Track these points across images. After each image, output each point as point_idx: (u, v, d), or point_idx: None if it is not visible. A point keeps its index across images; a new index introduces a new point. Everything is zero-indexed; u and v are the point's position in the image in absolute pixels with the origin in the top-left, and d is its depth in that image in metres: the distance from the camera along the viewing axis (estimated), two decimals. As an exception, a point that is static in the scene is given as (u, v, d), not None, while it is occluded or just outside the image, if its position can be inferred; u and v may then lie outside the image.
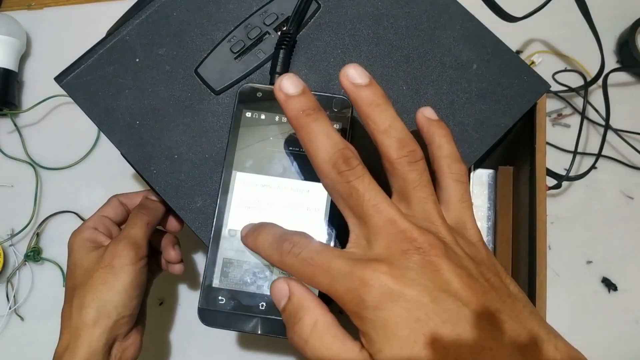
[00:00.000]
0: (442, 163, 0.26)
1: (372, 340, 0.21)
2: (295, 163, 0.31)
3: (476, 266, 0.23)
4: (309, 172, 0.31)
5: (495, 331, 0.21)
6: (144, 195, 0.41)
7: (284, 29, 0.34)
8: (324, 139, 0.23)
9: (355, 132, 0.33)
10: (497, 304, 0.22)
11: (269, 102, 0.32)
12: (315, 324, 0.23)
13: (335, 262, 0.22)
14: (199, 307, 0.29)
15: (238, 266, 0.30)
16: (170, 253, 0.41)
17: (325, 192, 0.30)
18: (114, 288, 0.34)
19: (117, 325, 0.34)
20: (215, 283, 0.30)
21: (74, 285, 0.35)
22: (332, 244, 0.30)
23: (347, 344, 0.22)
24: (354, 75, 0.24)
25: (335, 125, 0.31)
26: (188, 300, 0.51)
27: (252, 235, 0.27)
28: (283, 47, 0.33)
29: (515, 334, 0.21)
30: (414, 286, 0.21)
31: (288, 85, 0.24)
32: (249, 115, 0.32)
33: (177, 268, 0.41)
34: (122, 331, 0.35)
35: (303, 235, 0.25)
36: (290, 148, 0.31)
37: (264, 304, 0.29)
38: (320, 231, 0.30)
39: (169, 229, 0.42)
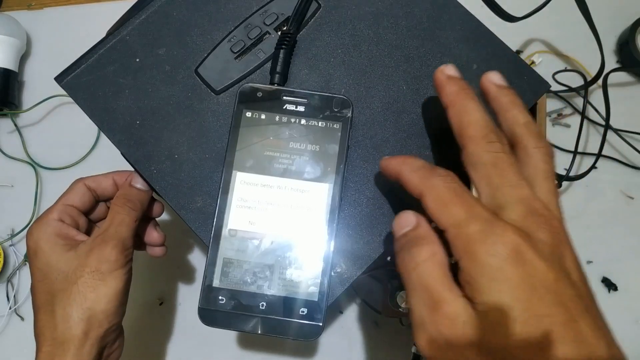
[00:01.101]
0: (524, 136, 0.27)
1: (478, 288, 0.22)
2: (295, 163, 0.31)
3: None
4: (309, 172, 0.31)
5: (598, 332, 0.22)
6: (112, 178, 0.36)
7: (284, 29, 0.34)
8: (480, 114, 0.26)
9: (354, 132, 0.33)
10: (593, 307, 0.23)
11: (269, 102, 0.32)
12: (433, 255, 0.24)
13: (479, 206, 0.24)
14: (199, 307, 0.29)
15: (238, 266, 0.30)
16: (153, 235, 0.38)
17: (325, 192, 0.30)
18: (105, 296, 0.31)
19: (107, 333, 0.32)
20: (216, 283, 0.30)
21: (51, 290, 0.32)
22: (332, 243, 0.30)
23: (453, 285, 0.23)
24: (498, 79, 0.28)
25: (335, 125, 0.31)
26: (188, 300, 0.51)
27: (400, 159, 0.28)
28: (283, 47, 0.33)
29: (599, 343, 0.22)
30: (545, 260, 0.22)
31: (451, 69, 0.29)
32: (249, 115, 0.32)
33: (159, 250, 0.39)
34: (112, 338, 0.33)
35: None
36: (291, 148, 0.31)
37: (264, 303, 0.29)
38: (320, 231, 0.30)
39: (154, 215, 0.39)
